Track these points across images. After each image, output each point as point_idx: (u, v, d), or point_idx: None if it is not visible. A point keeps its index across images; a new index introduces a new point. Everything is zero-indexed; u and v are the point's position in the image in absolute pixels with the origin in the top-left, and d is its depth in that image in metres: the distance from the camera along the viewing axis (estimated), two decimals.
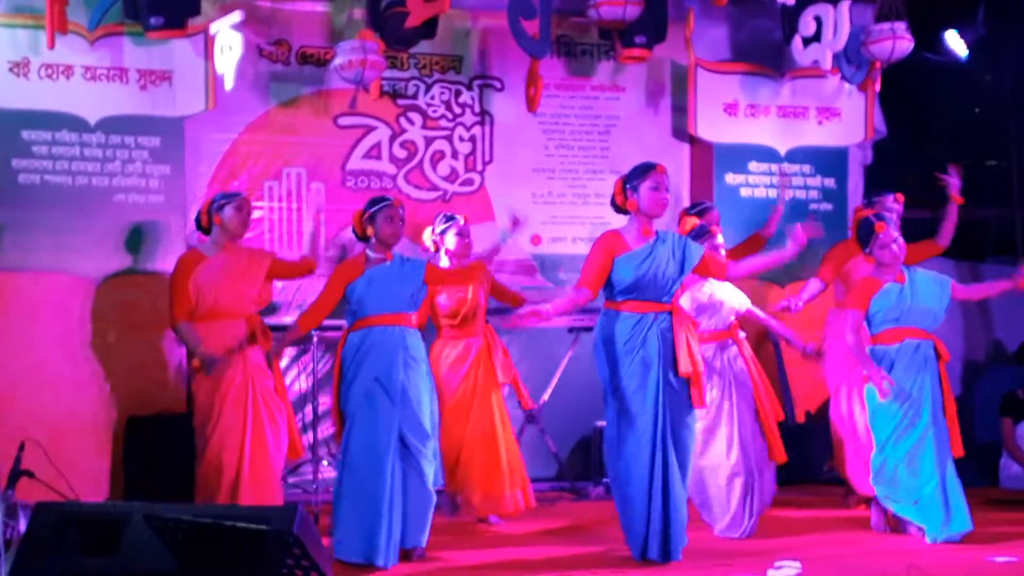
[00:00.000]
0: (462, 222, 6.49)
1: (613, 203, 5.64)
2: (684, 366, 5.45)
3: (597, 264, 5.53)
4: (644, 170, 5.54)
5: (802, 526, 6.35)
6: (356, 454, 5.50)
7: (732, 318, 6.22)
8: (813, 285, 6.78)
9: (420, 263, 5.85)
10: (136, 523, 3.99)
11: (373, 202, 5.78)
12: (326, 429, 6.90)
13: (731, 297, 6.26)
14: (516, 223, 6.74)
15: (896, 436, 5.88)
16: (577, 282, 5.62)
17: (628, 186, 5.54)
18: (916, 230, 9.02)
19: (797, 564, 5.34)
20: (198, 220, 6.13)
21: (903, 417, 5.87)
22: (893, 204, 6.83)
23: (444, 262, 6.44)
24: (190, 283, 5.94)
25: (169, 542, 3.86)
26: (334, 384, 5.70)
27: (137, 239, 6.87)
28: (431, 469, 5.63)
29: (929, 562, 5.40)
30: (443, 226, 6.50)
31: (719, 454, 6.01)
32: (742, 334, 6.27)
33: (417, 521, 5.58)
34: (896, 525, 6.07)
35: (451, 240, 6.45)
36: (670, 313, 5.52)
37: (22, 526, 5.20)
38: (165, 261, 6.69)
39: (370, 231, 5.72)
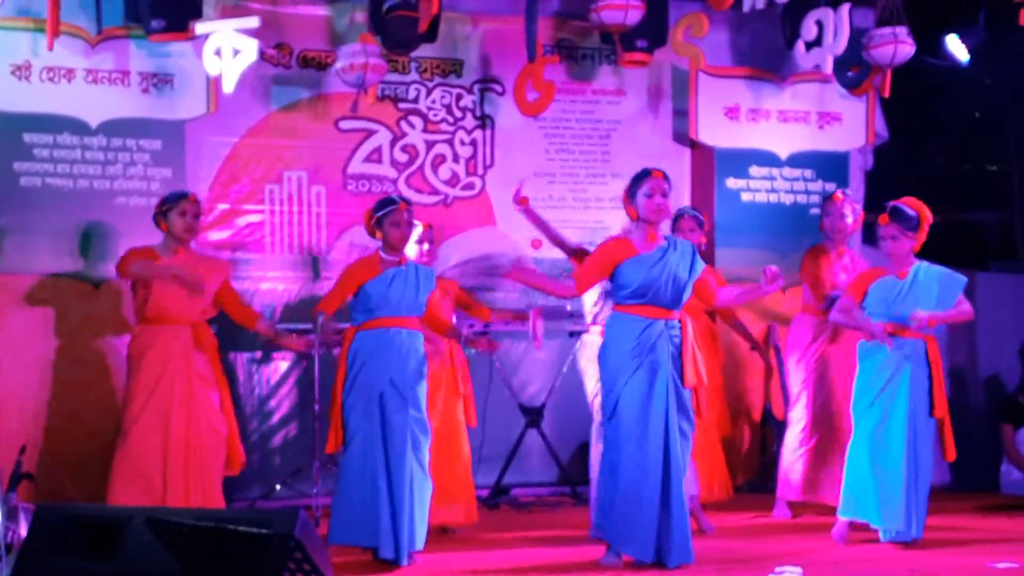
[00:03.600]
0: (421, 230, 6.31)
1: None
2: (690, 379, 5.47)
3: (595, 267, 5.56)
4: (640, 177, 5.55)
5: (803, 531, 6.34)
6: (364, 453, 5.52)
7: None
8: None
9: (431, 272, 5.89)
10: (137, 526, 3.96)
11: (380, 205, 5.75)
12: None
13: None
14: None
15: (869, 431, 5.87)
16: (572, 272, 5.68)
17: (629, 193, 5.57)
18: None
19: (798, 570, 5.33)
20: (155, 220, 6.01)
21: (881, 415, 5.85)
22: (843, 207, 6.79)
23: None
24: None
25: (170, 545, 3.85)
26: (338, 380, 5.64)
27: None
28: (428, 462, 5.70)
29: (931, 568, 5.39)
30: None
31: None
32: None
33: (423, 521, 5.64)
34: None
35: (410, 249, 6.24)
36: (679, 322, 5.53)
37: (23, 529, 5.20)
38: None
39: (379, 235, 5.74)
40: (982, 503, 7.24)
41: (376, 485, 5.48)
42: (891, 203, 6.04)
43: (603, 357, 5.55)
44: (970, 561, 5.58)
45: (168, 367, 5.86)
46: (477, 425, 6.57)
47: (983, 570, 5.42)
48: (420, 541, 5.64)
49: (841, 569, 5.49)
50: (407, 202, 5.77)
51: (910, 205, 6.02)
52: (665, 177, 5.54)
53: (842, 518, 6.00)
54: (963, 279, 6.04)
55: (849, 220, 6.76)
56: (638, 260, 5.46)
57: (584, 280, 5.58)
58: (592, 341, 6.04)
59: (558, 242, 6.29)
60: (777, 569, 5.33)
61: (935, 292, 5.95)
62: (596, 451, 6.02)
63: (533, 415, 7.38)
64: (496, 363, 7.37)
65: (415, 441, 5.62)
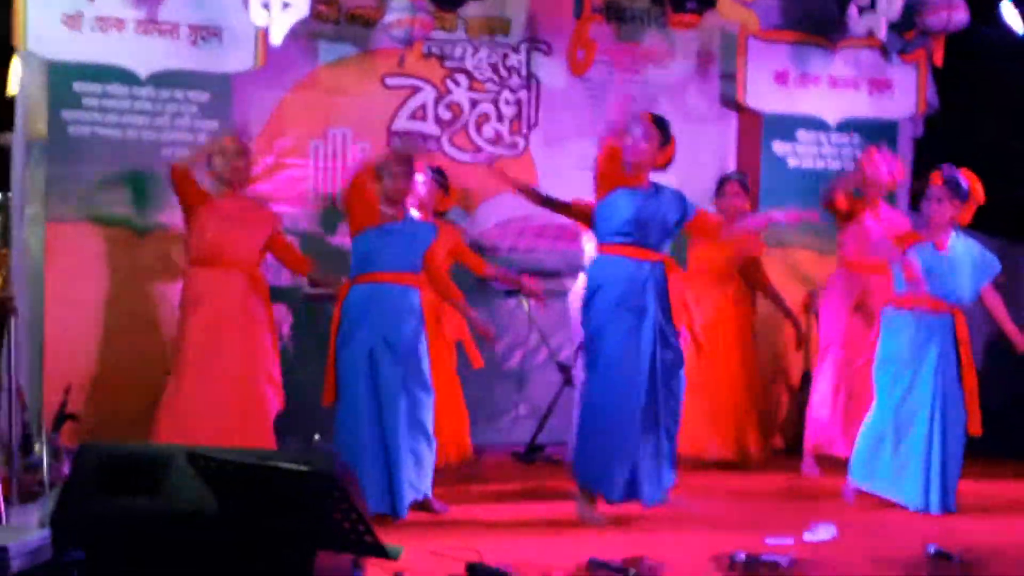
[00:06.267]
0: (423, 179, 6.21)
1: None
2: (698, 323, 5.43)
3: (607, 176, 5.39)
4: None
5: (836, 494, 6.30)
6: (354, 409, 5.43)
7: None
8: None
9: (430, 227, 5.78)
10: (178, 463, 4.02)
11: (385, 157, 5.68)
12: None
13: None
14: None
15: (894, 404, 5.82)
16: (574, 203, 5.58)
17: None
18: None
19: (832, 527, 5.32)
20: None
21: (906, 386, 5.80)
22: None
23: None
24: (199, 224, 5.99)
25: (211, 482, 3.91)
26: (332, 333, 5.56)
27: None
28: (431, 420, 5.59)
29: (967, 531, 5.37)
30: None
31: None
32: None
33: (427, 471, 5.56)
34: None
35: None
36: (664, 264, 5.39)
37: (66, 469, 5.29)
38: None
39: (379, 187, 5.62)
40: (1020, 468, 7.17)
41: (361, 441, 5.37)
42: (947, 165, 5.96)
43: (588, 302, 5.38)
44: (1008, 526, 5.55)
45: (225, 312, 5.89)
46: (481, 365, 6.56)
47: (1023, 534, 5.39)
48: (425, 490, 5.56)
49: (875, 526, 5.47)
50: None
51: (966, 177, 5.94)
52: (654, 120, 5.39)
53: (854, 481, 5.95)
54: (997, 264, 5.90)
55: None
56: (632, 191, 5.32)
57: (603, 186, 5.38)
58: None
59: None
60: (812, 525, 5.32)
61: (970, 270, 5.85)
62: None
63: (569, 373, 7.38)
64: (536, 320, 7.35)
65: (413, 399, 5.49)
